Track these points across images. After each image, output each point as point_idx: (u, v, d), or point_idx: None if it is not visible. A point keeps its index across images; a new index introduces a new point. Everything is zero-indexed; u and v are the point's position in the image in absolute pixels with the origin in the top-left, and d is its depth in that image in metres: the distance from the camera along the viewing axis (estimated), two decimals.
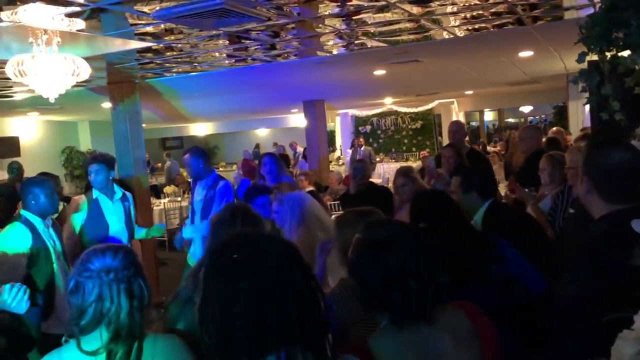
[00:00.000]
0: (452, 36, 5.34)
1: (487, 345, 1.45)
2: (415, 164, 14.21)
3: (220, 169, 17.97)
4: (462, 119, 15.16)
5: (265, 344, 1.05)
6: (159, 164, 16.58)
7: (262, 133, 21.02)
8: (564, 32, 4.80)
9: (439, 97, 14.57)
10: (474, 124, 21.86)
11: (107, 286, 1.58)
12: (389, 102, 15.11)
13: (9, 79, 5.09)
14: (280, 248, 1.15)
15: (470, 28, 5.14)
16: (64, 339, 1.61)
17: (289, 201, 3.07)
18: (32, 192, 3.42)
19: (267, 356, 1.05)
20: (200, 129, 20.01)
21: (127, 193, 4.50)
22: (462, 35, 5.33)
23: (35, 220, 3.41)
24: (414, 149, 15.99)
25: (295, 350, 1.05)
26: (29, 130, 12.23)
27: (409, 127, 16.22)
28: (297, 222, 2.99)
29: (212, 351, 1.07)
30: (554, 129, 9.05)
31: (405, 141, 16.31)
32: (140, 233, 4.58)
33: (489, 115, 24.41)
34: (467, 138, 6.47)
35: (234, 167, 16.28)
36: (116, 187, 4.37)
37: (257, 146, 19.49)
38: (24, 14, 3.08)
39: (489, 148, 14.54)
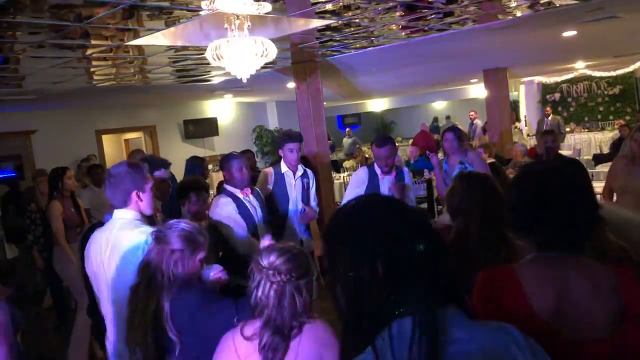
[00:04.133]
0: None
1: (632, 311, 1.37)
2: (612, 134, 12.81)
3: (397, 144, 18.04)
4: None
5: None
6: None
7: (439, 106, 20.57)
8: None
9: None
10: None
11: (264, 279, 1.78)
12: (580, 67, 13.74)
13: (208, 64, 5.65)
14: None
15: None
16: (235, 319, 1.87)
17: None
18: (224, 168, 3.86)
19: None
20: (376, 105, 20.26)
21: (308, 170, 4.74)
22: None
23: (235, 191, 3.82)
24: (611, 117, 14.38)
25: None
26: (225, 111, 13.51)
27: (605, 93, 14.60)
28: None
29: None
30: None
31: (601, 109, 14.72)
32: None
33: None
34: None
35: (411, 141, 16.23)
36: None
37: (436, 120, 19.16)
38: (220, 2, 3.41)
39: None
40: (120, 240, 2.51)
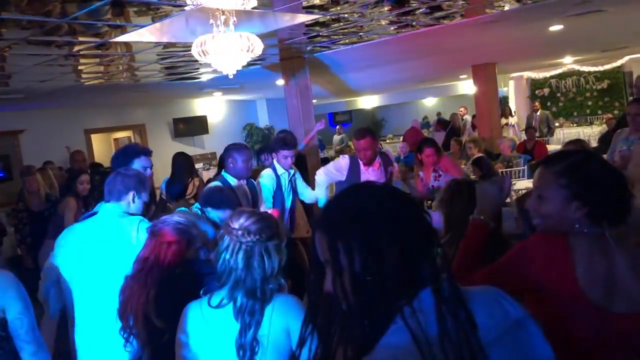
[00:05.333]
0: None
1: None
2: (600, 128, 12.91)
3: (387, 141, 18.07)
4: None
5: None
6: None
7: (429, 103, 20.62)
8: None
9: (630, 51, 12.92)
10: None
11: (232, 241, 1.79)
12: (569, 62, 13.82)
13: (196, 61, 5.65)
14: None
15: None
16: (201, 292, 1.88)
17: None
18: (232, 156, 3.88)
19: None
20: (367, 102, 20.28)
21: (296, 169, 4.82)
22: None
23: (231, 180, 3.88)
24: (599, 112, 14.47)
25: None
26: (215, 109, 13.47)
27: (594, 87, 14.70)
28: None
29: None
30: None
31: (590, 103, 14.82)
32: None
33: None
34: None
35: (402, 138, 16.26)
36: None
37: (426, 118, 19.18)
38: None
39: None
40: (110, 229, 2.60)
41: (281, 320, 1.78)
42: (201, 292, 1.86)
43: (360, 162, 4.43)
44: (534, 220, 1.64)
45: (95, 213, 2.79)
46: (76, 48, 5.12)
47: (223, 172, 4.00)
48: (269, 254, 1.80)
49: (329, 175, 4.62)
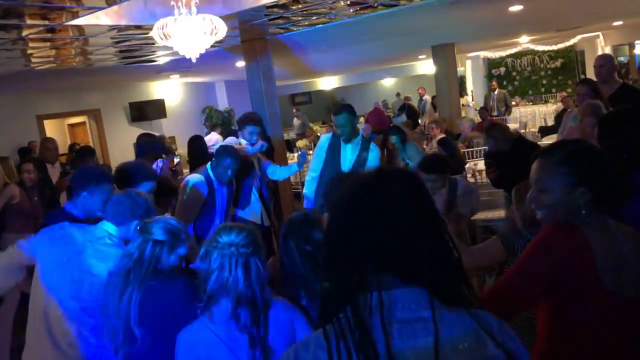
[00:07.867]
0: None
1: None
2: (555, 106, 13.23)
3: None
4: (609, 53, 13.70)
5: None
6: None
7: (387, 83, 20.70)
8: None
9: (582, 31, 13.27)
10: (622, 59, 19.63)
11: (228, 258, 1.79)
12: (525, 41, 14.07)
13: (153, 43, 5.45)
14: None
15: None
16: (199, 311, 1.83)
17: None
18: (222, 160, 3.77)
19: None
20: (327, 83, 20.18)
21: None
22: None
23: (214, 178, 3.83)
24: (553, 90, 14.84)
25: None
26: (172, 93, 13.14)
27: (548, 66, 15.04)
28: None
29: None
30: None
31: (544, 82, 15.18)
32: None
33: None
34: (616, 74, 5.78)
35: (362, 119, 16.27)
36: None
37: (385, 100, 19.26)
38: None
39: None
40: (103, 255, 2.41)
41: (286, 320, 1.82)
42: (199, 311, 1.82)
43: (341, 139, 4.25)
44: (537, 214, 1.61)
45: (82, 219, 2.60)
46: (25, 32, 4.87)
47: (208, 167, 3.86)
48: (263, 264, 1.83)
49: (318, 158, 4.46)
